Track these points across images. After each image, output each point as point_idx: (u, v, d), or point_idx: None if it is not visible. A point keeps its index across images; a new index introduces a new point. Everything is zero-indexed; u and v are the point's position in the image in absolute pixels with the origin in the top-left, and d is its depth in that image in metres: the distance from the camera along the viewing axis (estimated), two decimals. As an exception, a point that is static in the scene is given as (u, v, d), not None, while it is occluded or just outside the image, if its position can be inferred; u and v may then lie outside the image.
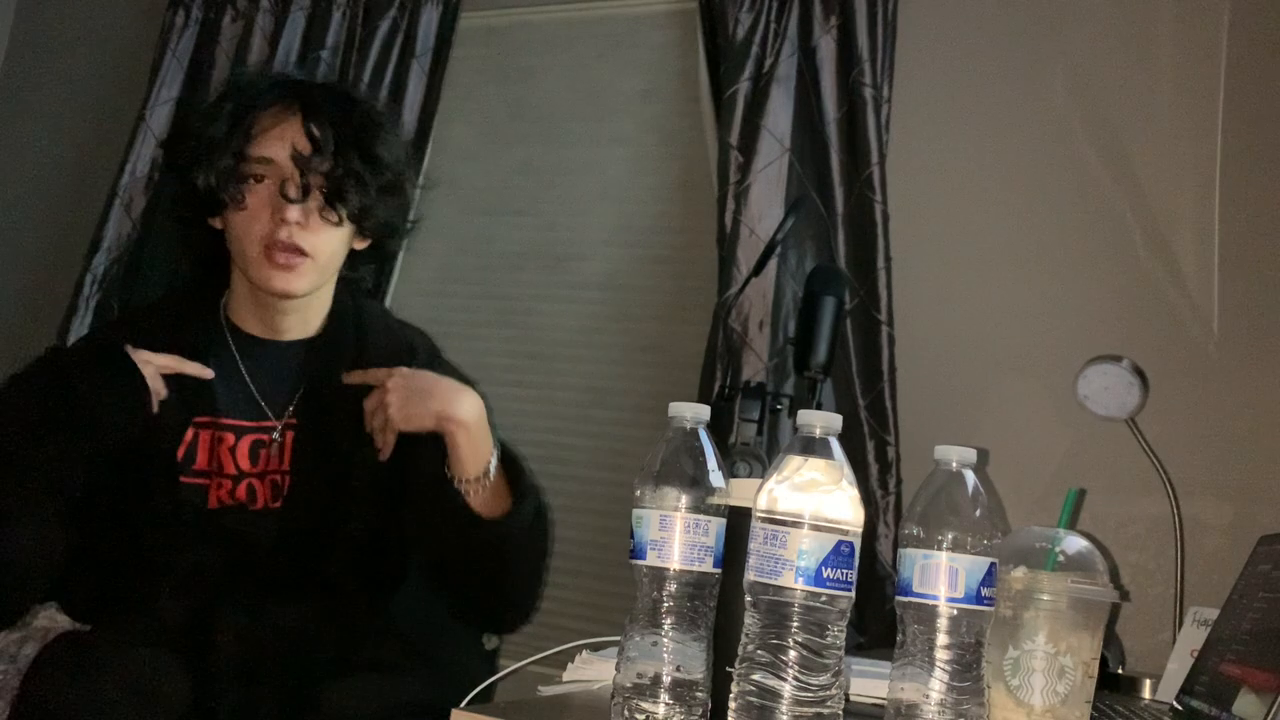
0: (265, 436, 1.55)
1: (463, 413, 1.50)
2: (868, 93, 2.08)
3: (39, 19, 3.22)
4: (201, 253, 1.59)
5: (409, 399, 1.51)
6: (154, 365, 1.48)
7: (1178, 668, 1.43)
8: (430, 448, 1.52)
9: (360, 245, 1.60)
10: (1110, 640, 1.66)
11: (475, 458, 1.50)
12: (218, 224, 1.55)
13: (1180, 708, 1.20)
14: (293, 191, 1.48)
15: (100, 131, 2.93)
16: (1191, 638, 1.43)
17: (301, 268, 1.50)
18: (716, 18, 2.25)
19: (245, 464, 1.54)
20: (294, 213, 1.47)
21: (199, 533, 1.50)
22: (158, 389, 1.47)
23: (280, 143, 1.49)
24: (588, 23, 2.57)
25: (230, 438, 1.53)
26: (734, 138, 2.17)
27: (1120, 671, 1.64)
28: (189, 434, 1.51)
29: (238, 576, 1.48)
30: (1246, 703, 1.03)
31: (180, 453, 1.51)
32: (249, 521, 1.52)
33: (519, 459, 1.57)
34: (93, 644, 1.42)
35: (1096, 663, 1.06)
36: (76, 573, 1.49)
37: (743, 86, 2.18)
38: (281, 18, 2.68)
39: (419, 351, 1.66)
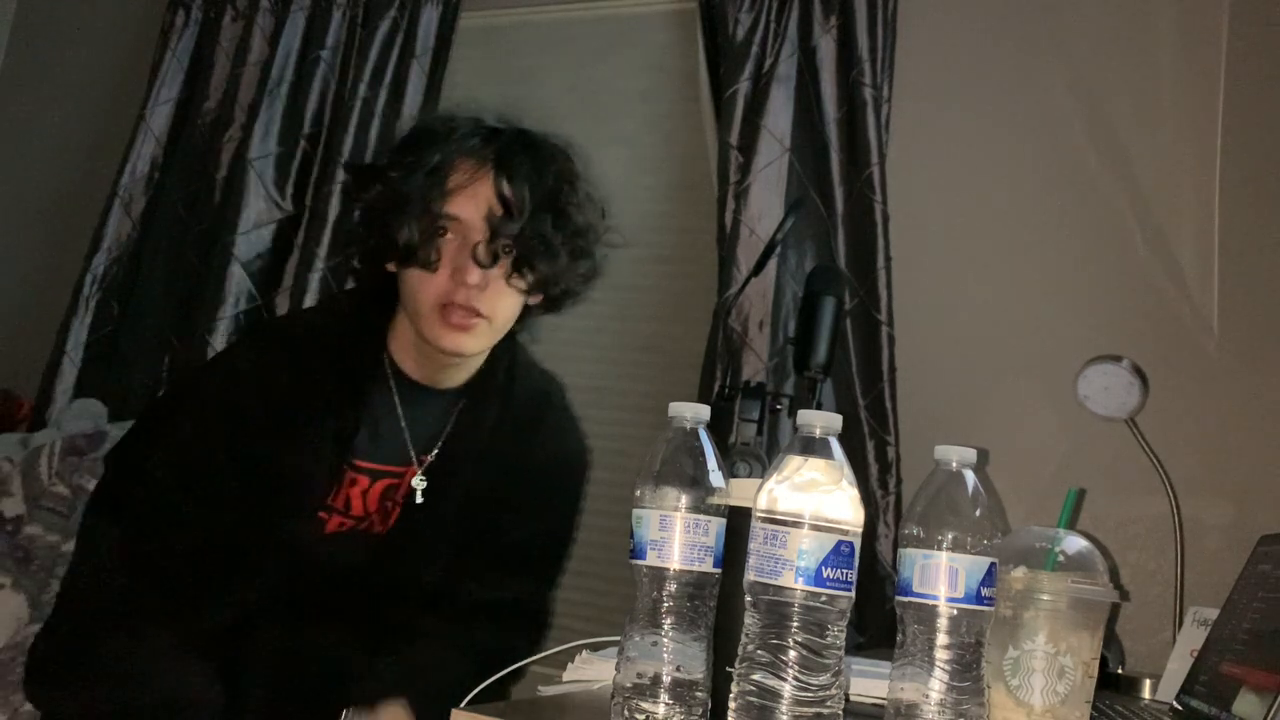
0: (398, 481, 1.54)
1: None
2: (868, 93, 2.08)
3: (39, 19, 3.22)
4: (373, 284, 1.54)
5: None
6: None
7: (1178, 668, 1.43)
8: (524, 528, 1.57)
9: (534, 302, 1.55)
10: (1110, 640, 1.66)
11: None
12: (392, 267, 1.50)
13: (1180, 708, 1.20)
14: (483, 256, 1.43)
15: (100, 131, 2.93)
16: (1191, 638, 1.43)
17: (477, 329, 1.45)
18: (716, 18, 2.25)
19: (374, 505, 1.53)
20: (475, 275, 1.42)
21: (304, 557, 1.48)
22: None
23: (472, 202, 1.44)
24: (588, 23, 2.57)
25: (365, 480, 1.51)
26: (734, 138, 2.17)
27: (1120, 671, 1.64)
28: (345, 479, 1.50)
29: (300, 593, 1.47)
30: (1246, 703, 1.03)
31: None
32: (346, 541, 1.53)
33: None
34: (125, 646, 1.41)
35: (1096, 663, 1.06)
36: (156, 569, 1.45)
37: (743, 86, 2.18)
38: (281, 18, 2.68)
39: (554, 400, 1.68)
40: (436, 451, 1.55)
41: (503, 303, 1.47)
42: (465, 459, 1.55)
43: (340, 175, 2.50)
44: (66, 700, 1.45)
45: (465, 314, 1.43)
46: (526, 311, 1.56)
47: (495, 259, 1.44)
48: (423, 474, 1.54)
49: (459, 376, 1.56)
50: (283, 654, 1.43)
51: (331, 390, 1.47)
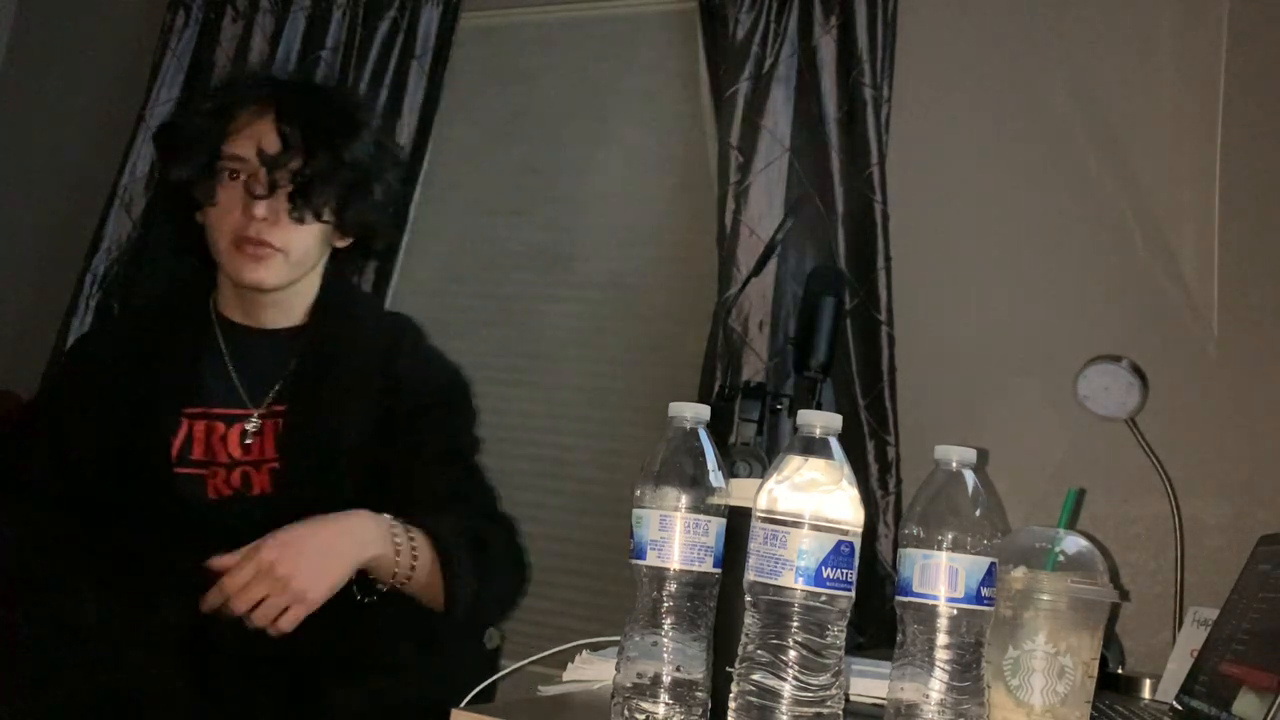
0: (245, 424, 1.57)
1: (372, 551, 1.42)
2: (868, 93, 2.08)
3: (39, 19, 3.22)
4: (190, 244, 1.62)
5: (309, 567, 1.37)
6: None
7: (1178, 668, 1.43)
8: (417, 430, 1.57)
9: (342, 243, 1.63)
10: (1110, 640, 1.66)
11: (382, 572, 1.45)
12: (201, 218, 1.59)
13: (1180, 708, 1.20)
14: (258, 189, 1.51)
15: (100, 131, 2.93)
16: (1191, 638, 1.43)
17: (271, 261, 1.53)
18: (716, 18, 2.25)
19: (237, 452, 1.55)
20: (260, 209, 1.51)
21: (199, 526, 1.50)
22: None
23: (251, 141, 1.52)
24: (588, 23, 2.57)
25: (221, 426, 1.56)
26: (734, 138, 2.17)
27: (1120, 671, 1.64)
28: (184, 426, 1.54)
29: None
30: (1246, 703, 1.03)
31: (176, 446, 1.53)
32: (247, 507, 1.54)
33: (449, 549, 1.49)
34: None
35: (1096, 663, 1.06)
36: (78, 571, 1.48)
37: (743, 86, 2.18)
38: (281, 18, 2.68)
39: (405, 339, 1.68)
40: (278, 388, 1.58)
41: (294, 234, 1.54)
42: (314, 397, 1.57)
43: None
44: None
45: (256, 246, 1.52)
46: (342, 253, 1.64)
47: (273, 190, 1.51)
48: (269, 415, 1.57)
49: (284, 317, 1.62)
50: (242, 638, 1.40)
51: (157, 348, 1.58)
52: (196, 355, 1.59)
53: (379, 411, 1.59)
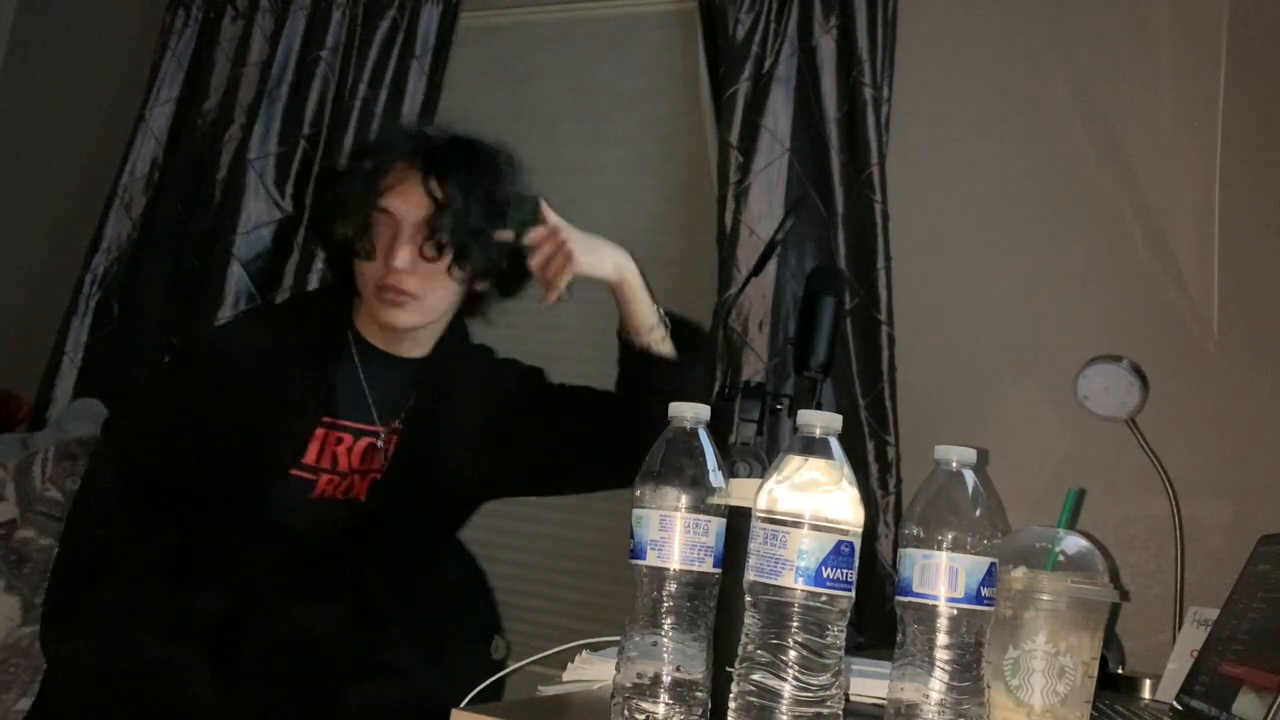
0: (375, 440, 1.70)
1: (632, 265, 1.75)
2: (868, 93, 2.08)
3: (39, 19, 3.22)
4: (339, 266, 1.75)
5: (586, 245, 1.72)
6: None
7: (1178, 668, 1.43)
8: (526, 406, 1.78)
9: (481, 287, 1.75)
10: (1110, 640, 1.66)
11: (648, 306, 1.75)
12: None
13: (1180, 708, 1.20)
14: (398, 248, 1.62)
15: (100, 131, 2.93)
16: (1191, 638, 1.43)
17: (408, 306, 1.65)
18: (716, 18, 2.25)
19: (357, 462, 1.69)
20: (400, 260, 1.62)
21: (287, 525, 1.61)
22: None
23: (401, 198, 1.64)
24: (588, 23, 2.56)
25: (348, 439, 1.68)
26: (734, 138, 2.16)
27: (1120, 671, 1.64)
28: (318, 434, 1.66)
29: (289, 568, 1.58)
30: (1246, 703, 1.03)
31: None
32: (340, 507, 1.67)
33: (686, 321, 1.80)
34: (114, 642, 1.48)
35: (1096, 663, 1.06)
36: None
37: (743, 86, 2.18)
38: (281, 18, 2.67)
39: (501, 359, 1.90)
40: (403, 414, 1.73)
41: (432, 284, 1.66)
42: (432, 418, 1.73)
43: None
44: (64, 648, 1.57)
45: (395, 293, 1.64)
46: (478, 297, 1.77)
47: (424, 246, 1.63)
48: (393, 432, 1.72)
49: (415, 348, 1.75)
50: (274, 639, 1.50)
51: (300, 356, 1.68)
52: (334, 367, 1.70)
53: (498, 433, 1.75)
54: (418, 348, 1.75)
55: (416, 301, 1.66)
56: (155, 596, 1.53)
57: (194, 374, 1.72)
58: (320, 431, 1.66)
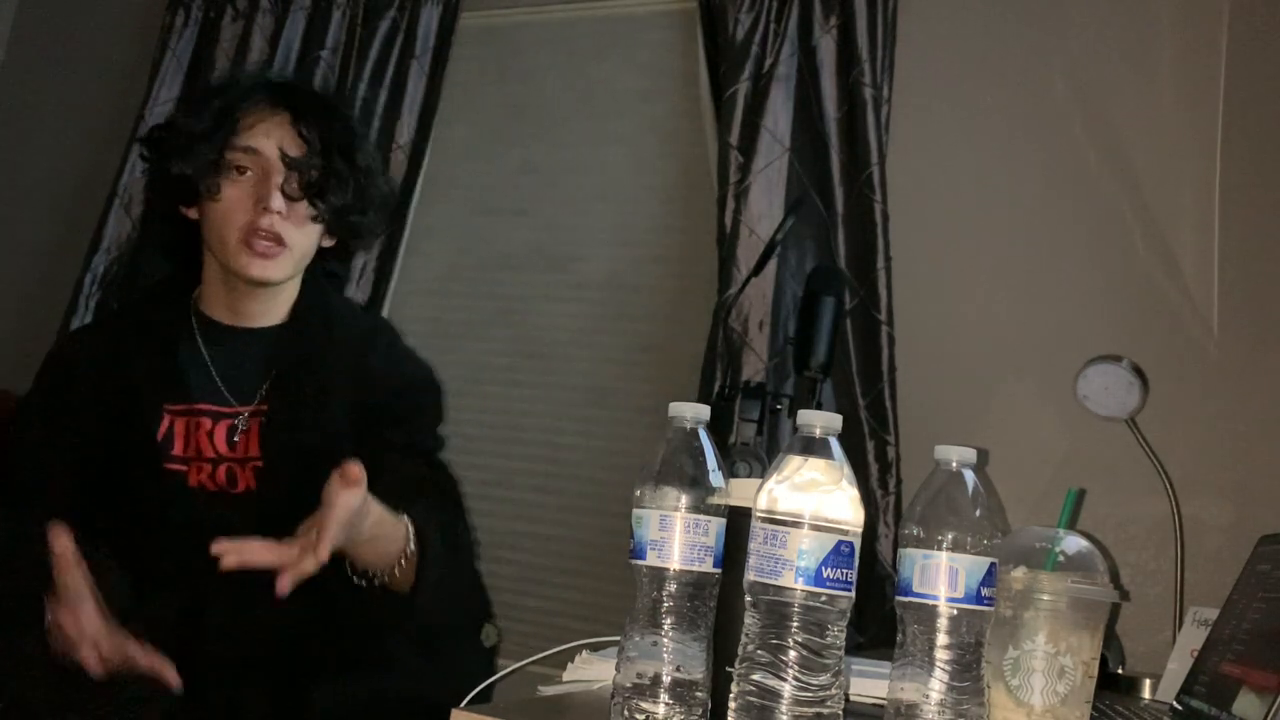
0: (233, 422, 1.59)
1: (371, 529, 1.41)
2: (868, 93, 2.08)
3: (39, 19, 3.22)
4: (172, 243, 1.66)
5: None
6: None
7: (1178, 668, 1.43)
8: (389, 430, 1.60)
9: (328, 243, 1.66)
10: (1110, 640, 1.66)
11: (382, 560, 1.43)
12: (192, 214, 1.61)
13: (1180, 708, 1.20)
14: (289, 188, 1.55)
15: (100, 131, 2.93)
16: (1191, 638, 1.43)
17: (280, 257, 1.56)
18: (716, 18, 2.25)
19: (223, 448, 1.57)
20: (278, 202, 1.54)
21: (185, 521, 1.51)
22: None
23: (267, 138, 1.56)
24: (588, 23, 2.56)
25: (207, 422, 1.58)
26: (734, 138, 2.17)
27: (1120, 671, 1.64)
28: (165, 421, 1.56)
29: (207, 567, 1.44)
30: (1246, 703, 1.03)
31: (158, 439, 1.55)
32: (231, 506, 1.55)
33: (425, 525, 1.47)
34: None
35: (1096, 663, 1.06)
36: None
37: (743, 86, 2.18)
38: (281, 18, 2.68)
39: (379, 339, 1.71)
40: (266, 386, 1.60)
41: (302, 232, 1.58)
42: (297, 394, 1.60)
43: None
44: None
45: (269, 242, 1.54)
46: (323, 253, 1.66)
47: (303, 190, 1.56)
48: (255, 414, 1.59)
49: (269, 314, 1.64)
50: (230, 635, 1.44)
51: (138, 346, 1.59)
52: (173, 351, 1.60)
53: (352, 408, 1.61)
54: (270, 316, 1.63)
55: (288, 253, 1.56)
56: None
57: (40, 391, 1.63)
58: (177, 421, 1.56)
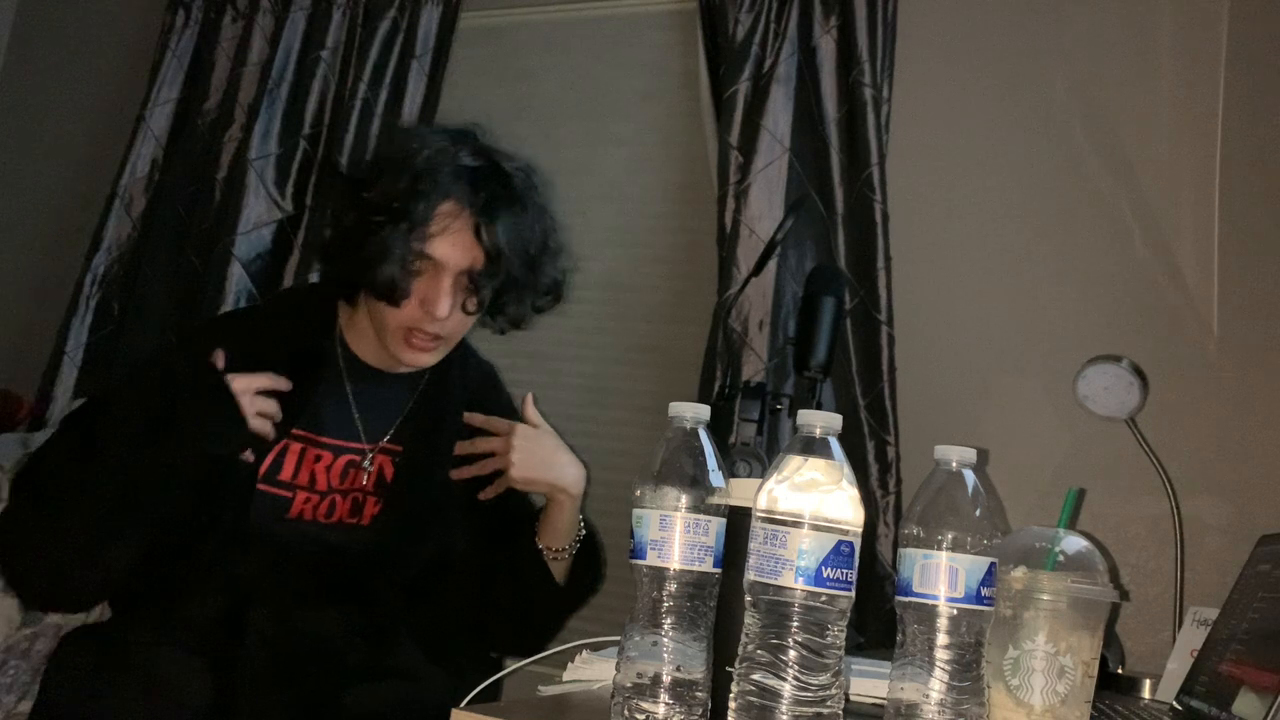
0: (358, 458, 1.61)
1: (574, 489, 1.61)
2: (868, 93, 2.08)
3: (39, 19, 3.22)
4: (338, 276, 1.65)
5: (531, 460, 1.60)
6: (251, 394, 1.49)
7: (1178, 668, 1.43)
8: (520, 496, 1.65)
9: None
10: (1110, 640, 1.66)
11: (568, 531, 1.62)
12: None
13: (1180, 708, 1.20)
14: (470, 304, 1.55)
15: (100, 131, 2.93)
16: (1191, 638, 1.43)
17: (436, 349, 1.59)
18: (716, 18, 2.25)
19: (336, 481, 1.60)
20: (444, 309, 1.52)
21: (271, 543, 1.53)
22: (260, 428, 1.50)
23: (451, 247, 1.52)
24: (588, 23, 2.56)
25: (328, 456, 1.59)
26: (734, 138, 2.17)
27: (1120, 671, 1.64)
28: (280, 444, 1.56)
29: (284, 582, 1.51)
30: (1246, 703, 1.03)
31: (266, 463, 1.54)
32: (322, 531, 1.58)
33: (596, 540, 1.69)
34: (112, 642, 1.44)
35: (1096, 663, 1.06)
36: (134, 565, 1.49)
37: (743, 86, 2.18)
38: (281, 18, 2.68)
39: (500, 385, 1.81)
40: (393, 432, 1.64)
41: (460, 324, 1.59)
42: (431, 437, 1.64)
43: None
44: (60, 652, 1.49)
45: (427, 339, 1.56)
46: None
47: (481, 306, 1.58)
48: (382, 451, 1.63)
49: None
50: (275, 642, 1.46)
51: (275, 367, 1.54)
52: (314, 382, 1.58)
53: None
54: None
55: (444, 343, 1.59)
56: (149, 601, 1.48)
57: (149, 390, 1.56)
58: (294, 446, 1.57)
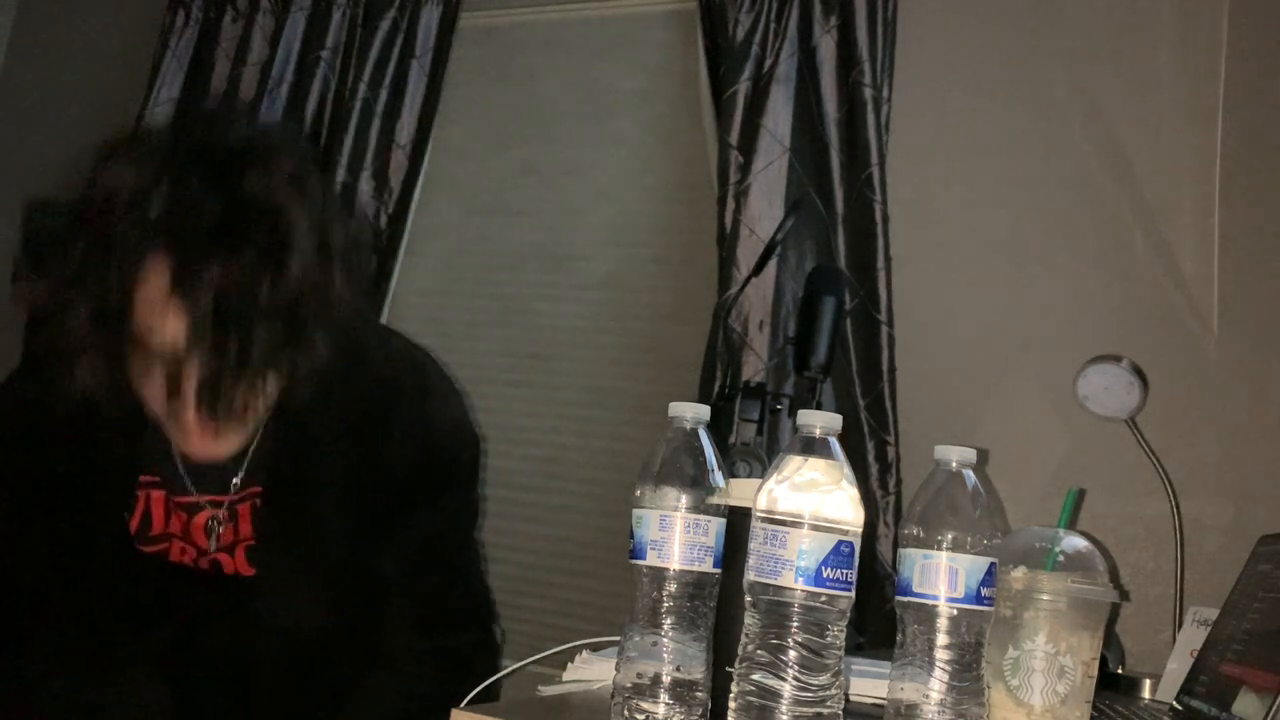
0: (220, 512, 1.39)
1: None
2: (868, 93, 2.08)
3: (39, 19, 3.22)
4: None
5: None
6: None
7: (1178, 668, 1.43)
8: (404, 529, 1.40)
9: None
10: (1110, 640, 1.66)
11: None
12: None
13: (1180, 708, 1.20)
14: (176, 404, 1.23)
15: (100, 131, 2.92)
16: (1191, 638, 1.43)
17: (227, 436, 1.29)
18: (716, 18, 2.25)
19: (202, 541, 1.40)
20: (190, 420, 1.24)
21: (168, 592, 1.41)
22: None
23: (154, 317, 1.19)
24: (588, 23, 2.57)
25: (183, 515, 1.39)
26: (734, 138, 2.17)
27: (1120, 671, 1.64)
28: (140, 502, 1.38)
29: (213, 654, 1.40)
30: (1246, 703, 1.03)
31: (135, 522, 1.39)
32: (221, 585, 1.41)
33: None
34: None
35: (1096, 663, 1.06)
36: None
37: (743, 86, 2.18)
38: (281, 18, 2.68)
39: (402, 397, 1.41)
40: (242, 476, 1.37)
41: (248, 399, 1.25)
42: (298, 471, 1.37)
43: (340, 175, 2.50)
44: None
45: (202, 433, 1.27)
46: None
47: (194, 393, 1.23)
48: (246, 498, 1.39)
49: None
50: (229, 663, 1.39)
51: (102, 409, 1.27)
52: (144, 426, 1.32)
53: (361, 488, 1.38)
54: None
55: (237, 426, 1.28)
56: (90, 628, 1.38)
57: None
58: (148, 496, 1.38)
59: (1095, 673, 1.06)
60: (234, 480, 1.38)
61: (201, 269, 1.16)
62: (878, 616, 1.87)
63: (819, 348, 1.68)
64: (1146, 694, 1.57)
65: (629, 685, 0.95)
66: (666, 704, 0.94)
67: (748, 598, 0.91)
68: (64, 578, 1.38)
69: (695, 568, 0.96)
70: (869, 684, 1.13)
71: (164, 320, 1.18)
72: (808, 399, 1.73)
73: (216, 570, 1.40)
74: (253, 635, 1.39)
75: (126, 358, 1.22)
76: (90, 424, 1.30)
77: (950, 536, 0.93)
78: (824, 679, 0.88)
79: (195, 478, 1.38)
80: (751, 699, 0.89)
